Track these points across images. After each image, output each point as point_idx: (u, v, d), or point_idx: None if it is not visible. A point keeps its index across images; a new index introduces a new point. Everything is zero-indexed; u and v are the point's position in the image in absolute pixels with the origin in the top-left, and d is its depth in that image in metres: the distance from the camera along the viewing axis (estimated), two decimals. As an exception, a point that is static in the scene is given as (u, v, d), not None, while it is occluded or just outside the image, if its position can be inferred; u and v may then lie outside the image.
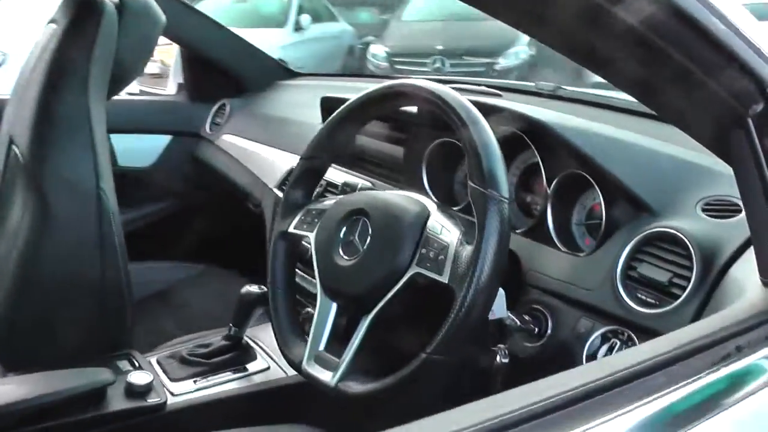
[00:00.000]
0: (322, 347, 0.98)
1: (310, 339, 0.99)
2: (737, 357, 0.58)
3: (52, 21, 1.35)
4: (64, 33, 1.27)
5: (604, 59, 0.66)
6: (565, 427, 0.49)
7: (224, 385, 1.26)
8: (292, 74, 2.20)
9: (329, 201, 1.08)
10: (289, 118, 1.79)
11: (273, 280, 1.10)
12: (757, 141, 0.66)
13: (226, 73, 2.06)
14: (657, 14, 0.58)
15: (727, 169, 0.93)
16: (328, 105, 1.51)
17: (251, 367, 1.31)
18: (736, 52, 0.62)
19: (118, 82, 1.35)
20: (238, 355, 1.31)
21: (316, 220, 1.05)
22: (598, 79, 0.72)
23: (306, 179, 1.12)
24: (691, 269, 0.84)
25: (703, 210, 0.91)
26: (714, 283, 0.82)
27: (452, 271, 0.85)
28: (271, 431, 1.16)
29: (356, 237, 0.97)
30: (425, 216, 0.94)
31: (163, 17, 1.40)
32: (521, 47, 8.64)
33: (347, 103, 1.06)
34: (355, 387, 0.91)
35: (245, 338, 1.33)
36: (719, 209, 0.91)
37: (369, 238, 0.95)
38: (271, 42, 6.71)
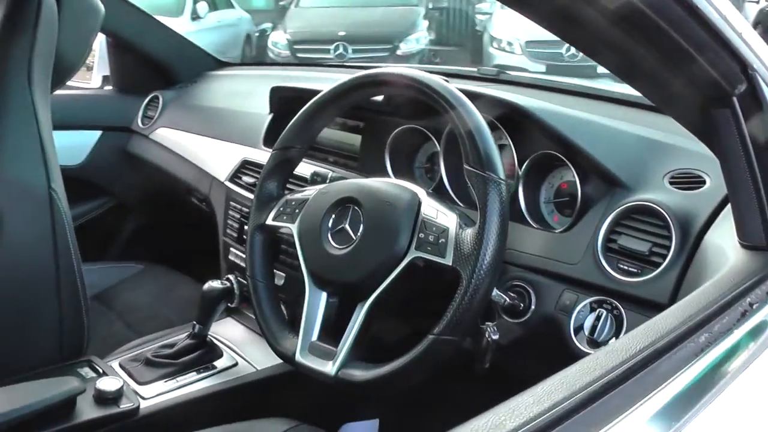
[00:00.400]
0: (314, 337, 0.98)
1: (301, 330, 0.99)
2: (753, 313, 0.63)
3: None
4: (3, 28, 1.21)
5: (596, 38, 0.70)
6: (619, 404, 0.51)
7: (195, 384, 1.24)
8: (221, 64, 2.16)
9: (309, 191, 1.08)
10: (231, 109, 1.76)
11: (253, 273, 1.09)
12: (741, 117, 0.71)
13: (156, 64, 1.99)
14: None
15: (688, 145, 1.00)
16: (279, 94, 1.50)
17: (219, 364, 1.29)
18: (724, 35, 0.67)
19: (60, 75, 1.30)
20: (204, 353, 1.29)
21: (297, 210, 1.05)
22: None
23: (281, 170, 1.11)
24: (669, 238, 0.90)
25: (671, 183, 0.98)
26: (692, 249, 0.88)
27: (456, 254, 0.88)
28: (247, 427, 1.15)
29: (347, 225, 0.97)
30: (418, 202, 0.96)
31: (102, 8, 1.36)
32: (421, 33, 8.80)
33: (327, 91, 1.06)
34: (359, 374, 0.92)
35: (209, 336, 1.31)
36: (685, 181, 0.97)
37: (362, 226, 0.96)
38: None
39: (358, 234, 0.96)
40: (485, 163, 0.87)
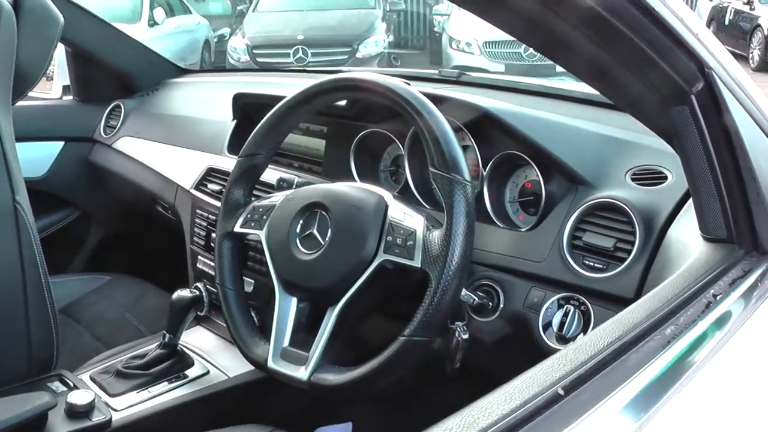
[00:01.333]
0: (286, 343, 0.99)
1: (273, 336, 0.99)
2: (716, 303, 0.65)
3: None
4: (-42, 38, 1.19)
5: (561, 42, 0.71)
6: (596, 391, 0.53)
7: (167, 394, 1.23)
8: (181, 71, 2.15)
9: (275, 198, 1.08)
10: (193, 117, 1.75)
11: (222, 281, 1.09)
12: (700, 114, 0.74)
13: (116, 73, 1.97)
14: (618, 1, 0.63)
15: (649, 142, 1.03)
16: (242, 101, 1.49)
17: (191, 373, 1.29)
18: (681, 35, 0.69)
19: (20, 86, 1.28)
20: (175, 363, 1.28)
21: (264, 217, 1.05)
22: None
23: (246, 178, 1.11)
24: (633, 234, 0.93)
25: (633, 179, 1.00)
26: (656, 244, 0.91)
27: (424, 255, 0.89)
28: (223, 435, 1.15)
29: (315, 230, 0.98)
30: (385, 205, 0.97)
31: (61, 17, 1.34)
32: (380, 35, 8.83)
33: (291, 97, 1.07)
34: (332, 378, 0.93)
35: (179, 345, 1.31)
36: (647, 178, 0.99)
37: (330, 231, 0.97)
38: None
39: (327, 239, 0.97)
40: (450, 165, 0.88)
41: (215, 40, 10.68)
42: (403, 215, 0.95)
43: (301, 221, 1.01)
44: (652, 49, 0.68)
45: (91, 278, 1.83)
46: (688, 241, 0.82)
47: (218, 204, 1.40)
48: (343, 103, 1.24)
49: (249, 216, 1.07)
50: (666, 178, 0.97)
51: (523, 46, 7.65)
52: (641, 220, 0.92)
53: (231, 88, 1.61)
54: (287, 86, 1.46)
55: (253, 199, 1.11)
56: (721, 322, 0.65)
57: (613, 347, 0.57)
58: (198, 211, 1.46)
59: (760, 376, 0.66)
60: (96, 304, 1.74)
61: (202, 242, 1.45)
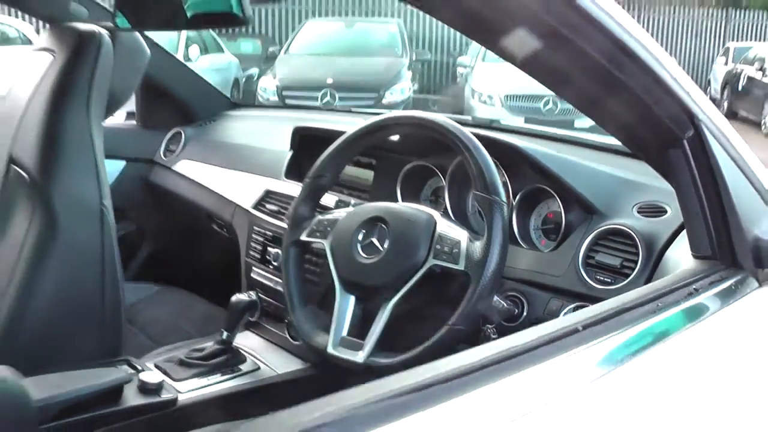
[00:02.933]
0: (344, 333, 1.18)
1: (333, 327, 1.18)
2: (696, 295, 0.83)
3: (44, 50, 1.46)
4: (67, 61, 1.39)
5: (579, 93, 0.91)
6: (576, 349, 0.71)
7: (224, 383, 1.40)
8: (233, 105, 2.37)
9: (337, 213, 1.28)
10: (251, 145, 1.96)
11: (288, 281, 1.28)
12: (691, 156, 0.92)
13: (179, 102, 2.19)
14: (618, 56, 0.82)
15: (652, 182, 1.22)
16: (301, 133, 1.71)
17: (244, 367, 1.46)
18: (676, 92, 0.88)
19: (111, 106, 1.49)
20: (231, 358, 1.46)
21: (328, 228, 1.24)
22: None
23: (313, 195, 1.31)
24: (637, 254, 1.11)
25: (638, 212, 1.19)
26: (656, 263, 1.09)
27: (467, 261, 1.08)
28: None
29: (375, 239, 1.17)
30: (434, 221, 1.17)
31: (148, 50, 1.56)
32: (406, 83, 9.11)
33: (360, 128, 1.27)
34: (384, 360, 1.11)
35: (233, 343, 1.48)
36: (649, 211, 1.18)
37: (388, 240, 1.17)
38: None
39: (385, 246, 1.16)
40: (491, 189, 1.08)
41: (244, 79, 11.00)
42: (449, 229, 1.15)
43: (363, 231, 1.20)
44: (651, 100, 0.88)
45: (140, 287, 2.00)
46: (681, 259, 1.01)
47: (276, 222, 1.60)
48: (395, 138, 1.44)
49: (314, 228, 1.27)
50: (666, 212, 1.16)
51: (543, 101, 7.95)
52: (644, 244, 1.11)
53: (283, 122, 1.82)
54: (341, 123, 1.67)
55: (316, 214, 1.31)
56: (698, 310, 0.83)
57: (614, 310, 0.76)
58: (255, 228, 1.66)
59: (725, 357, 0.83)
60: (147, 310, 1.89)
61: (258, 255, 1.64)
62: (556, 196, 1.25)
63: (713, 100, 12.20)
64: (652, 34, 0.89)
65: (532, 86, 7.99)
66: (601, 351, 0.71)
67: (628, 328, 0.74)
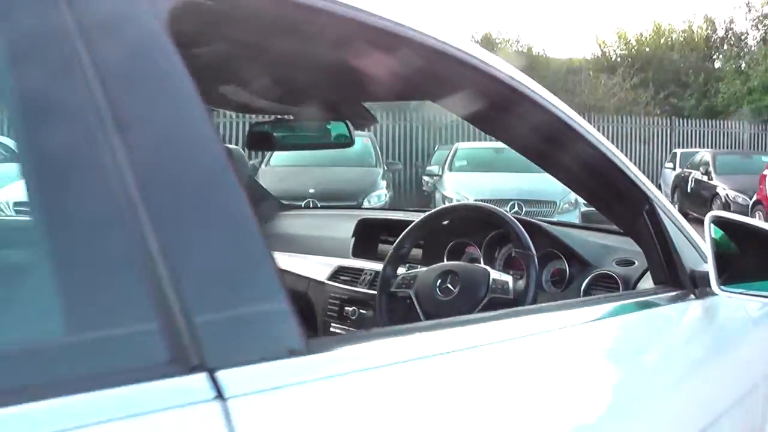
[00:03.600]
0: None
1: None
2: (650, 294, 1.41)
3: None
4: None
5: (567, 175, 1.52)
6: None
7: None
8: (283, 206, 2.96)
9: (417, 271, 1.85)
10: (313, 234, 2.54)
11: (382, 321, 1.82)
12: (649, 224, 1.52)
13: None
14: (597, 158, 1.42)
15: (625, 245, 1.82)
16: (364, 223, 2.30)
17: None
18: (636, 181, 1.48)
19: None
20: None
21: (412, 282, 1.81)
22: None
23: (396, 261, 1.89)
24: (618, 289, 1.70)
25: (616, 263, 1.79)
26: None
27: (515, 293, 1.65)
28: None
29: (449, 284, 1.74)
30: (488, 270, 1.74)
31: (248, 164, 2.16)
32: (382, 190, 9.80)
33: (430, 213, 1.86)
34: None
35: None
36: (623, 262, 1.78)
37: (459, 285, 1.73)
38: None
39: (457, 288, 1.73)
40: (527, 246, 1.67)
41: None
42: (499, 275, 1.72)
43: (440, 279, 1.77)
44: (621, 185, 1.48)
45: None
46: (645, 287, 1.59)
47: (351, 287, 2.15)
48: (446, 222, 2.03)
49: (400, 282, 1.83)
50: (634, 263, 1.76)
51: (509, 205, 8.65)
52: (622, 282, 1.70)
53: (328, 219, 2.40)
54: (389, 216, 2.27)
55: (397, 274, 1.88)
56: (652, 303, 1.40)
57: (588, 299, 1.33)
58: (332, 294, 2.21)
59: (667, 332, 1.41)
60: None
61: (335, 314, 2.18)
62: (562, 256, 1.84)
63: (664, 200, 13.13)
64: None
65: (499, 190, 8.90)
66: (587, 312, 1.28)
67: (606, 302, 1.32)
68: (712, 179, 12.43)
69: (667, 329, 1.42)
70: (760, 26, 23.20)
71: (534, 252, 1.68)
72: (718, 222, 1.48)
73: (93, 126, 0.59)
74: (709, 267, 1.39)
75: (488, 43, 24.05)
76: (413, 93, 1.49)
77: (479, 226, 1.86)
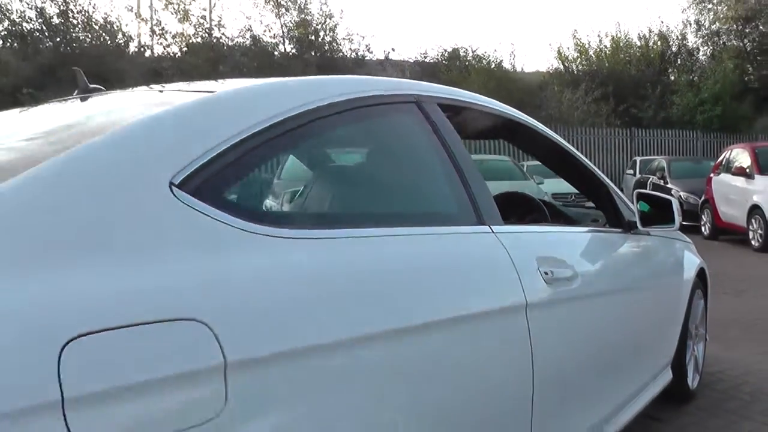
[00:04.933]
0: None
1: None
2: (607, 233, 2.91)
3: None
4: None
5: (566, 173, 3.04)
6: None
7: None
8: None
9: None
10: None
11: None
12: (607, 200, 3.02)
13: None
14: (576, 165, 2.93)
15: (593, 212, 3.33)
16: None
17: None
18: (597, 176, 2.99)
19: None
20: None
21: None
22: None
23: None
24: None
25: (591, 221, 3.27)
26: None
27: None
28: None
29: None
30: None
31: None
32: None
33: None
34: None
35: None
36: (594, 220, 3.27)
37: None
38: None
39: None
40: (544, 213, 3.15)
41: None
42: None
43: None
44: (592, 180, 2.99)
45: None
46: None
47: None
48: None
49: None
50: (598, 220, 3.24)
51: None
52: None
53: None
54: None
55: None
56: (607, 235, 2.89)
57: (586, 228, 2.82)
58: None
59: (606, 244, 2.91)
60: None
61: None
62: (562, 218, 3.30)
63: (626, 202, 14.90)
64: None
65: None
66: (587, 232, 2.79)
67: (591, 232, 2.82)
68: (667, 182, 14.12)
69: (617, 244, 2.91)
70: (709, 42, 25.15)
71: (548, 214, 3.12)
72: (640, 195, 2.99)
73: None
74: (636, 217, 2.90)
75: (455, 57, 25.29)
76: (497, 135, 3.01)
77: (509, 207, 3.30)
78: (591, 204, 3.40)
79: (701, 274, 3.85)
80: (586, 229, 2.85)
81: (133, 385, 0.99)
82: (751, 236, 10.90)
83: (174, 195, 1.19)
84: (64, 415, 0.91)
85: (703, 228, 12.65)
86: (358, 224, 1.57)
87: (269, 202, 2.67)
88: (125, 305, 1.02)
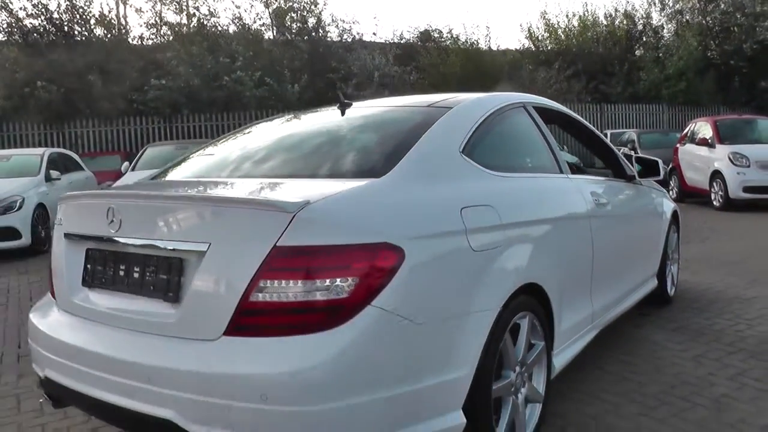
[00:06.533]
0: None
1: None
2: (616, 181, 4.42)
3: None
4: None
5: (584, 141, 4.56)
6: None
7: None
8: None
9: None
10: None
11: None
12: (615, 160, 4.52)
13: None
14: (595, 138, 4.42)
15: (605, 171, 4.84)
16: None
17: None
18: (607, 144, 4.49)
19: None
20: None
21: None
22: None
23: None
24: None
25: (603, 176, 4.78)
26: None
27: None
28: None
29: None
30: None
31: None
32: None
33: None
34: None
35: None
36: (605, 175, 4.77)
37: None
38: (26, 185, 9.78)
39: None
40: (583, 170, 4.64)
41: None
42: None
43: None
44: (604, 148, 4.49)
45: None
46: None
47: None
48: None
49: None
50: (608, 175, 4.73)
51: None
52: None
53: None
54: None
55: None
56: (615, 182, 4.39)
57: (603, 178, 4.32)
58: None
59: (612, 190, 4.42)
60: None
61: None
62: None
63: (602, 172, 16.34)
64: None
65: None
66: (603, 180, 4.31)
67: (606, 181, 4.33)
68: (638, 153, 15.62)
69: (624, 188, 4.42)
70: (673, 20, 26.05)
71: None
72: (636, 158, 4.55)
73: None
74: (635, 172, 4.44)
75: (427, 38, 25.26)
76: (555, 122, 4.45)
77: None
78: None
79: (675, 216, 5.41)
80: (605, 178, 4.36)
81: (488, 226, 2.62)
82: (712, 198, 12.60)
83: (462, 155, 2.76)
84: (467, 237, 2.48)
85: (671, 192, 14.15)
86: (523, 171, 3.27)
87: (491, 160, 3.52)
88: (460, 199, 2.58)
